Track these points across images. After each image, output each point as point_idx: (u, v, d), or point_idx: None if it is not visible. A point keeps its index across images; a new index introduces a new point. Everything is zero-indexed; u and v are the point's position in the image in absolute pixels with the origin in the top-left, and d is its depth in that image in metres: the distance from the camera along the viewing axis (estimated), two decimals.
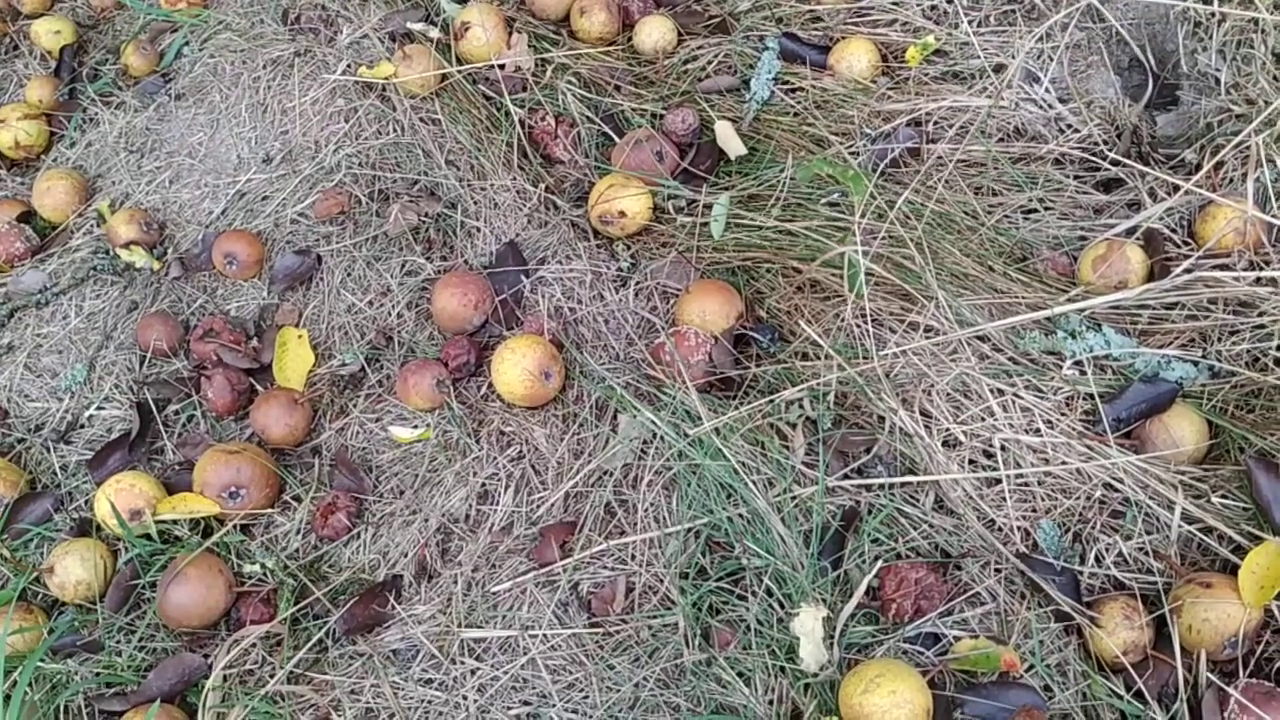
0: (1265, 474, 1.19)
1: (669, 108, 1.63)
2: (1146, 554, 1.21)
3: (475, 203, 1.61)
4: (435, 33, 1.74)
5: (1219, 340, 1.27)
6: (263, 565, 1.36)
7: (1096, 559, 1.21)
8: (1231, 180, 1.36)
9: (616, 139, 1.63)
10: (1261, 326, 1.24)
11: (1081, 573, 1.21)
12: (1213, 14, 1.44)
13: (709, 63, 1.68)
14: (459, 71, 1.70)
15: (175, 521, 1.38)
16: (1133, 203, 1.42)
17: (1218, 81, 1.42)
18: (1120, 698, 1.12)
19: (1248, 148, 1.34)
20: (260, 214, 1.69)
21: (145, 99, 1.86)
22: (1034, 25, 1.53)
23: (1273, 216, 1.32)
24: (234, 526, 1.39)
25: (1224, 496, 1.21)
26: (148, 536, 1.37)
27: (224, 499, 1.39)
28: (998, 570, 1.21)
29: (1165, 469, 1.23)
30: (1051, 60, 1.51)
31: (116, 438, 1.49)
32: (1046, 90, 1.50)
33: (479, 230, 1.59)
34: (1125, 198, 1.42)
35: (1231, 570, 1.16)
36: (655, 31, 1.70)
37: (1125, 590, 1.19)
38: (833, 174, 1.37)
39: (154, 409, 1.51)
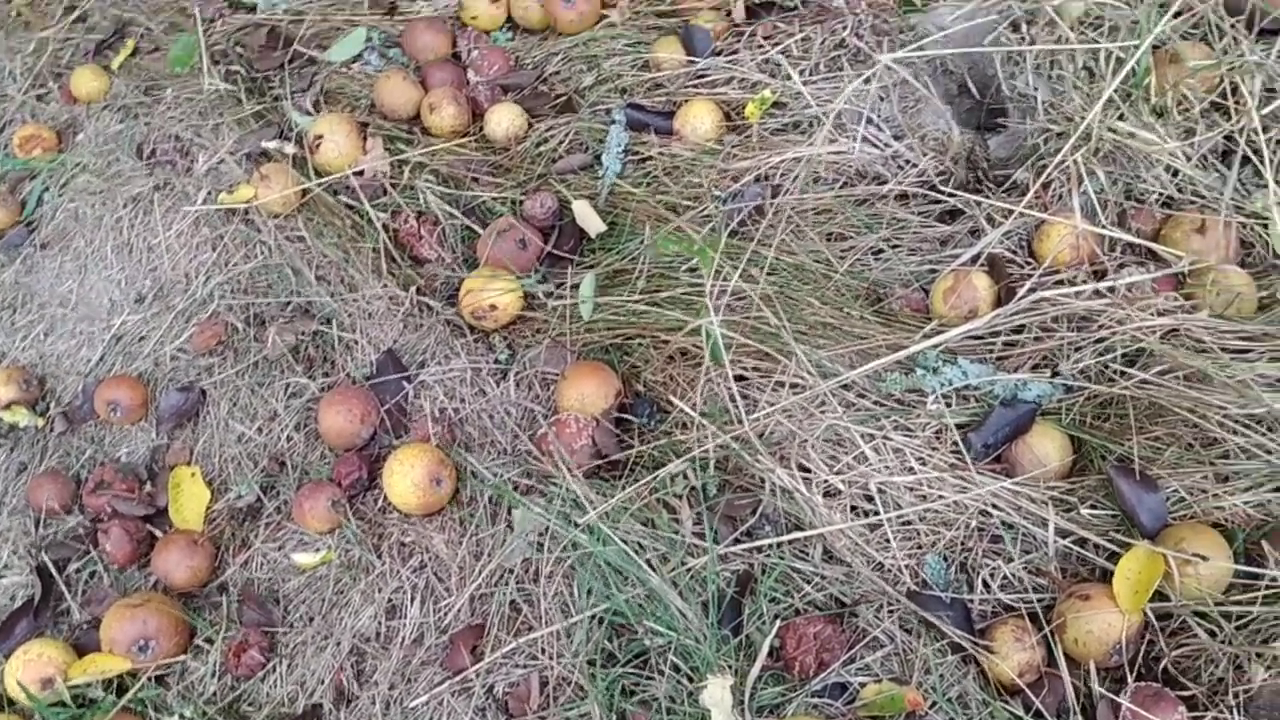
0: (1125, 480, 1.24)
1: (527, 193, 1.66)
2: (1030, 573, 1.25)
3: (349, 315, 1.63)
4: (291, 148, 1.76)
5: (1066, 357, 1.32)
6: (180, 716, 1.36)
7: (984, 585, 1.25)
8: (1060, 197, 1.41)
9: (480, 231, 1.65)
10: (1102, 340, 1.30)
11: (971, 601, 1.25)
12: (1023, 39, 1.50)
13: (561, 143, 1.72)
14: (318, 185, 1.71)
15: (89, 684, 1.37)
16: (974, 230, 1.47)
17: (1037, 102, 1.48)
18: None
19: (1070, 164, 1.40)
20: (139, 355, 1.69)
21: (11, 252, 1.85)
22: (861, 68, 1.58)
23: (1101, 227, 1.38)
24: (148, 679, 1.39)
25: (1093, 507, 1.26)
26: (61, 704, 1.37)
27: (134, 653, 1.39)
28: (891, 611, 1.25)
29: (1035, 488, 1.28)
30: (882, 100, 1.57)
31: (19, 606, 1.48)
32: (879, 129, 1.55)
33: (356, 342, 1.61)
34: (967, 226, 1.48)
35: (1109, 578, 1.21)
36: (505, 119, 1.73)
37: (1014, 612, 1.24)
38: (680, 249, 1.41)
39: (54, 571, 1.50)
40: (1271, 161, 1.35)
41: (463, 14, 1.85)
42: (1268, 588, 1.16)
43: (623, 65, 1.75)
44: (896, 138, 1.55)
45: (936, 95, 1.57)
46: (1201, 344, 1.25)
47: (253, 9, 1.99)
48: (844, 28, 1.63)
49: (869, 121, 1.55)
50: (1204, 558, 1.17)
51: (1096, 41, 1.45)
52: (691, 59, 1.70)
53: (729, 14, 1.73)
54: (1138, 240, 1.37)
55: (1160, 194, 1.40)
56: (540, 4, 1.81)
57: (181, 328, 1.69)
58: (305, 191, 1.72)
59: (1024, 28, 1.51)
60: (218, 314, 1.68)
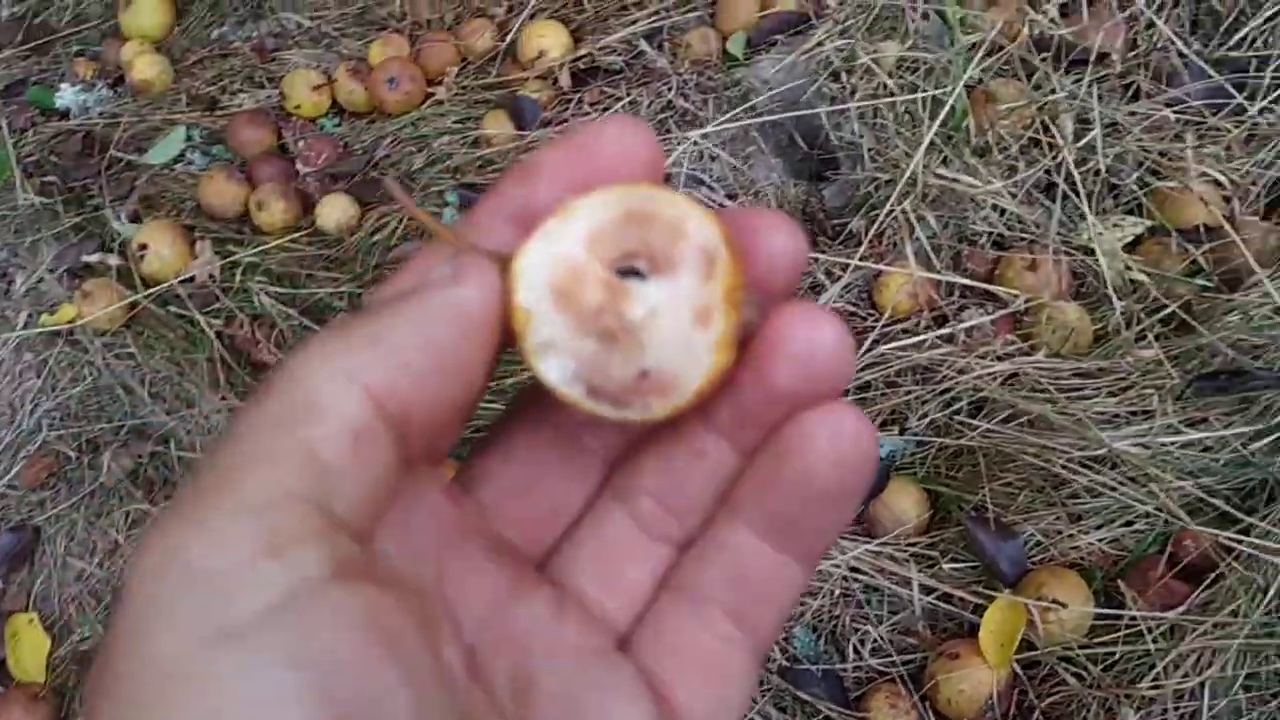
0: (982, 531, 1.23)
1: (365, 286, 1.61)
2: (900, 635, 1.24)
3: (188, 433, 1.55)
4: (114, 260, 1.67)
5: (914, 411, 1.31)
6: None
7: (855, 652, 1.23)
8: (895, 245, 1.41)
9: (319, 329, 1.59)
10: (946, 390, 1.29)
11: (844, 670, 1.22)
12: (844, 87, 1.50)
13: (395, 230, 1.67)
14: (145, 297, 1.63)
15: None
16: (815, 285, 1.46)
17: (863, 150, 1.48)
18: None
19: (900, 212, 1.39)
20: None
21: None
22: (690, 129, 1.56)
23: (936, 273, 1.38)
24: None
25: (954, 560, 1.25)
26: None
27: None
28: (765, 690, 1.22)
29: (897, 546, 1.26)
30: (713, 160, 1.55)
31: None
32: (713, 189, 1.53)
33: (197, 461, 1.53)
34: (807, 282, 1.46)
35: (976, 632, 1.20)
36: (336, 210, 1.67)
37: (887, 677, 1.22)
38: None
39: None
40: (1089, 194, 1.37)
41: (286, 104, 1.79)
42: (1127, 627, 1.16)
43: (453, 144, 1.70)
44: (731, 197, 1.54)
45: (767, 149, 1.56)
46: (1040, 386, 1.25)
47: (65, 115, 1.90)
48: (669, 89, 1.61)
49: (700, 183, 1.53)
50: (1063, 604, 1.16)
51: (915, 85, 1.45)
52: (521, 131, 1.67)
53: (556, 82, 1.70)
54: (973, 283, 1.37)
55: (990, 234, 1.40)
56: (364, 87, 1.76)
57: (9, 463, 1.59)
58: (133, 305, 1.64)
59: (844, 76, 1.50)
60: (47, 444, 1.59)
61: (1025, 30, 1.41)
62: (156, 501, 1.53)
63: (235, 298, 1.63)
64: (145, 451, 1.55)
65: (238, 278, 1.65)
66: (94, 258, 1.69)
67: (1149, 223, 1.37)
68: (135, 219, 1.74)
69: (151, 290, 1.64)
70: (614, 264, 0.37)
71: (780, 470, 0.38)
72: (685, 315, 0.36)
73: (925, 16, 1.49)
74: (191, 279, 1.65)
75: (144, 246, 1.65)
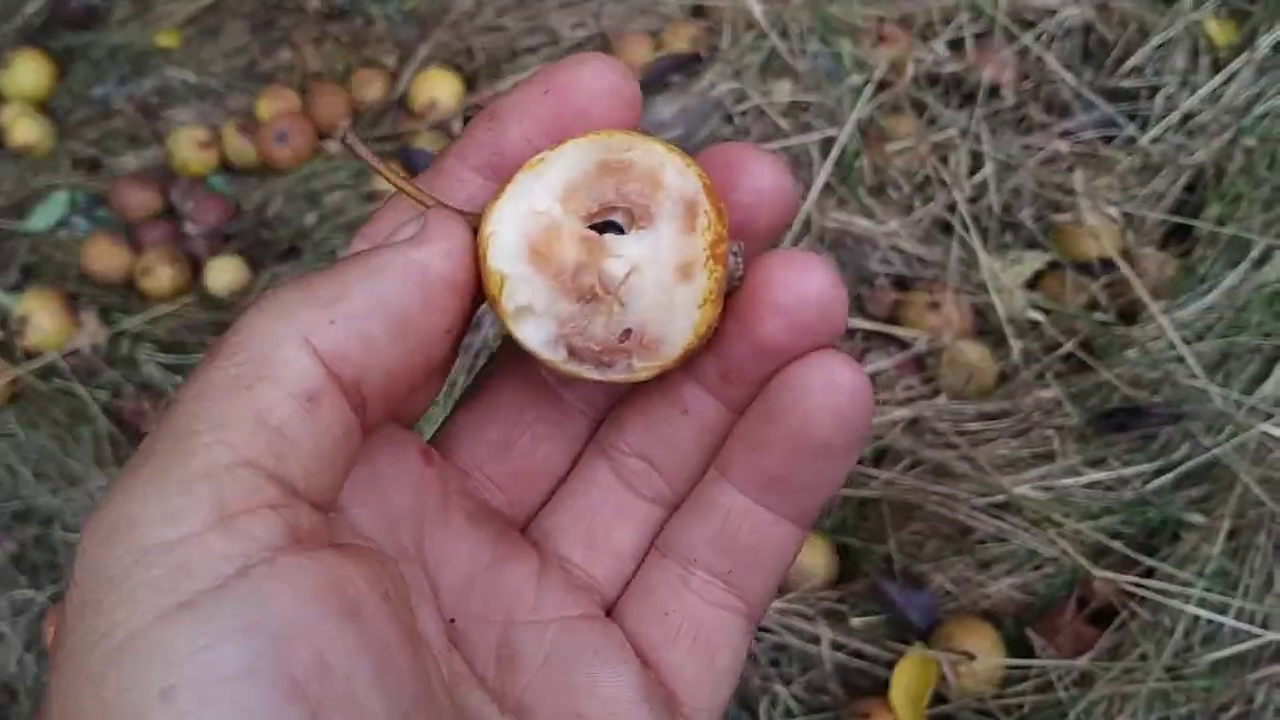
0: (890, 582, 1.20)
1: None
2: (812, 693, 1.20)
3: (73, 513, 1.48)
4: None
5: None
6: None
7: (767, 715, 1.20)
8: None
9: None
10: None
11: None
12: (736, 130, 1.47)
13: None
14: (27, 372, 1.56)
15: None
16: None
17: None
18: None
19: None
20: None
21: None
22: None
23: None
24: None
25: (863, 614, 1.22)
26: None
27: None
28: None
29: (805, 601, 1.23)
30: None
31: None
32: None
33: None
34: None
35: (888, 687, 1.17)
36: (225, 273, 1.62)
37: None
38: None
39: None
40: (985, 230, 1.35)
41: (172, 162, 1.73)
42: (1038, 675, 1.14)
43: (346, 199, 1.66)
44: None
45: None
46: (940, 431, 1.23)
47: None
48: None
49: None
50: (971, 656, 1.14)
51: (808, 125, 1.43)
52: None
53: (449, 133, 1.66)
54: (874, 325, 1.35)
55: (890, 274, 1.38)
56: (253, 143, 1.71)
57: None
58: (15, 381, 1.57)
59: (736, 119, 1.48)
60: None
61: (911, 66, 1.40)
62: (42, 587, 1.45)
63: (122, 368, 1.57)
64: (28, 535, 1.47)
65: (125, 347, 1.59)
66: None
67: (1049, 257, 1.36)
68: (16, 290, 1.66)
69: (34, 363, 1.57)
70: (590, 218, 0.36)
71: (772, 426, 0.36)
72: (668, 271, 0.35)
73: (816, 56, 1.47)
74: (76, 352, 1.58)
75: (24, 319, 1.58)
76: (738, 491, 0.38)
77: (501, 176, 0.37)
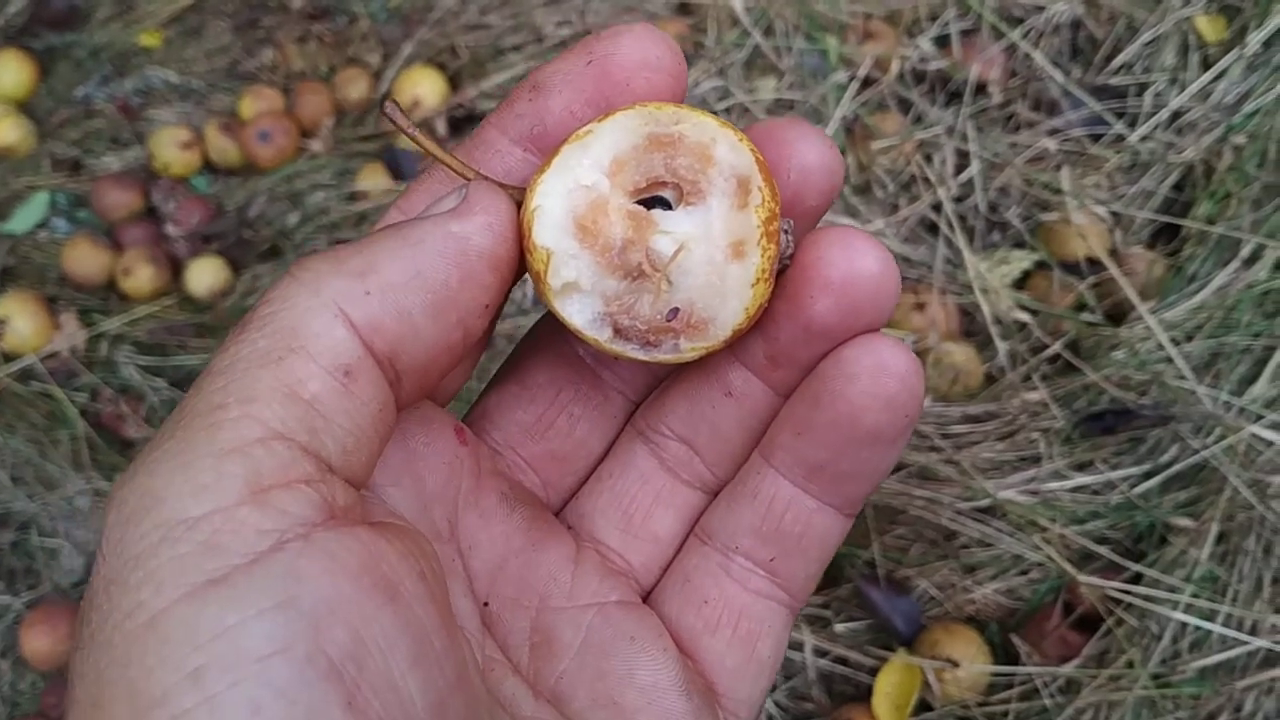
0: (874, 588, 1.18)
1: None
2: (796, 700, 1.18)
3: (51, 517, 1.47)
4: None
5: None
6: None
7: None
8: None
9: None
10: None
11: None
12: None
13: None
14: (6, 375, 1.55)
15: None
16: None
17: None
18: None
19: None
20: None
21: None
22: None
23: None
24: None
25: (847, 620, 1.20)
26: None
27: None
28: None
29: None
30: None
31: None
32: None
33: (62, 547, 1.45)
34: None
35: (871, 693, 1.15)
36: (206, 274, 1.60)
37: None
38: None
39: None
40: (971, 230, 1.33)
41: (154, 163, 1.71)
42: (1022, 682, 1.12)
43: (329, 199, 1.64)
44: None
45: None
46: (925, 434, 1.21)
47: None
48: None
49: None
50: (955, 663, 1.12)
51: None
52: (398, 183, 1.61)
53: (432, 132, 1.65)
54: None
55: None
56: (236, 143, 1.69)
57: None
58: None
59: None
60: None
61: (896, 64, 1.38)
62: (18, 593, 1.44)
63: (101, 371, 1.55)
64: (5, 540, 1.46)
65: (104, 349, 1.57)
66: None
67: (1036, 256, 1.34)
68: None
69: (13, 365, 1.56)
70: (638, 194, 0.35)
71: (819, 411, 0.35)
72: (719, 248, 0.34)
73: (801, 53, 1.46)
74: (54, 354, 1.56)
75: (3, 322, 1.56)
76: (782, 477, 0.37)
77: (543, 149, 0.36)
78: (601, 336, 0.35)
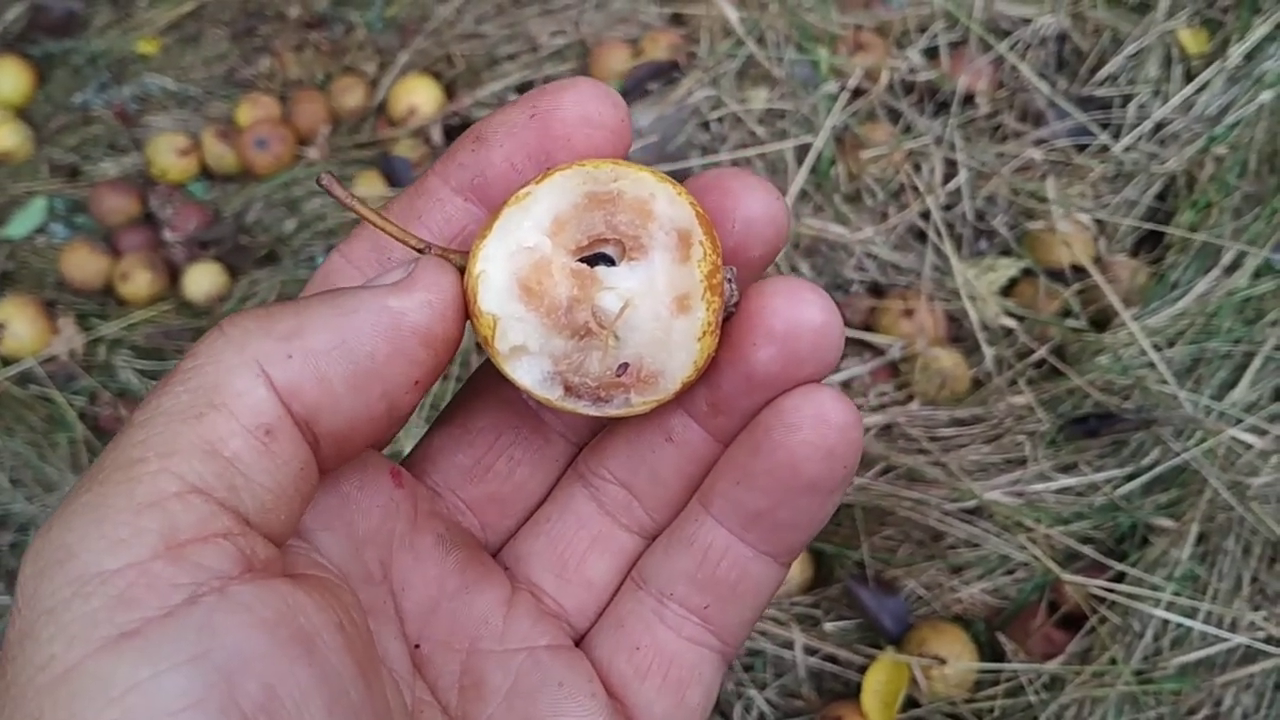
0: (863, 588, 1.21)
1: None
2: (786, 698, 1.20)
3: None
4: None
5: None
6: None
7: (741, 719, 1.20)
8: None
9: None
10: None
11: None
12: (713, 137, 1.48)
13: (266, 299, 1.61)
14: (5, 379, 1.56)
15: None
16: None
17: None
18: None
19: (774, 263, 1.37)
20: None
21: None
22: None
23: None
24: None
25: (836, 619, 1.22)
26: None
27: None
28: None
29: (779, 606, 1.23)
30: None
31: None
32: None
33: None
34: None
35: (860, 691, 1.17)
36: (203, 280, 1.62)
37: None
38: None
39: None
40: (958, 238, 1.36)
41: (151, 170, 1.73)
42: (1007, 679, 1.14)
43: (325, 206, 1.66)
44: None
45: None
46: (912, 437, 1.24)
47: None
48: None
49: None
50: (942, 660, 1.14)
51: (784, 132, 1.44)
52: (394, 190, 1.63)
53: (428, 140, 1.67)
54: (849, 332, 1.35)
55: (865, 281, 1.39)
56: (233, 149, 1.71)
57: None
58: None
59: (713, 126, 1.49)
60: None
61: (885, 75, 1.41)
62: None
63: (99, 374, 1.57)
64: (5, 541, 1.47)
65: (102, 353, 1.59)
66: None
67: (1023, 264, 1.37)
68: None
69: (11, 369, 1.57)
70: (580, 252, 0.35)
71: (759, 460, 0.35)
72: (664, 303, 0.34)
73: (793, 63, 1.48)
74: (53, 358, 1.58)
75: (1, 325, 1.58)
76: (719, 525, 0.37)
77: (483, 199, 0.36)
78: (552, 395, 0.35)
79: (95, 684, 0.26)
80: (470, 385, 0.41)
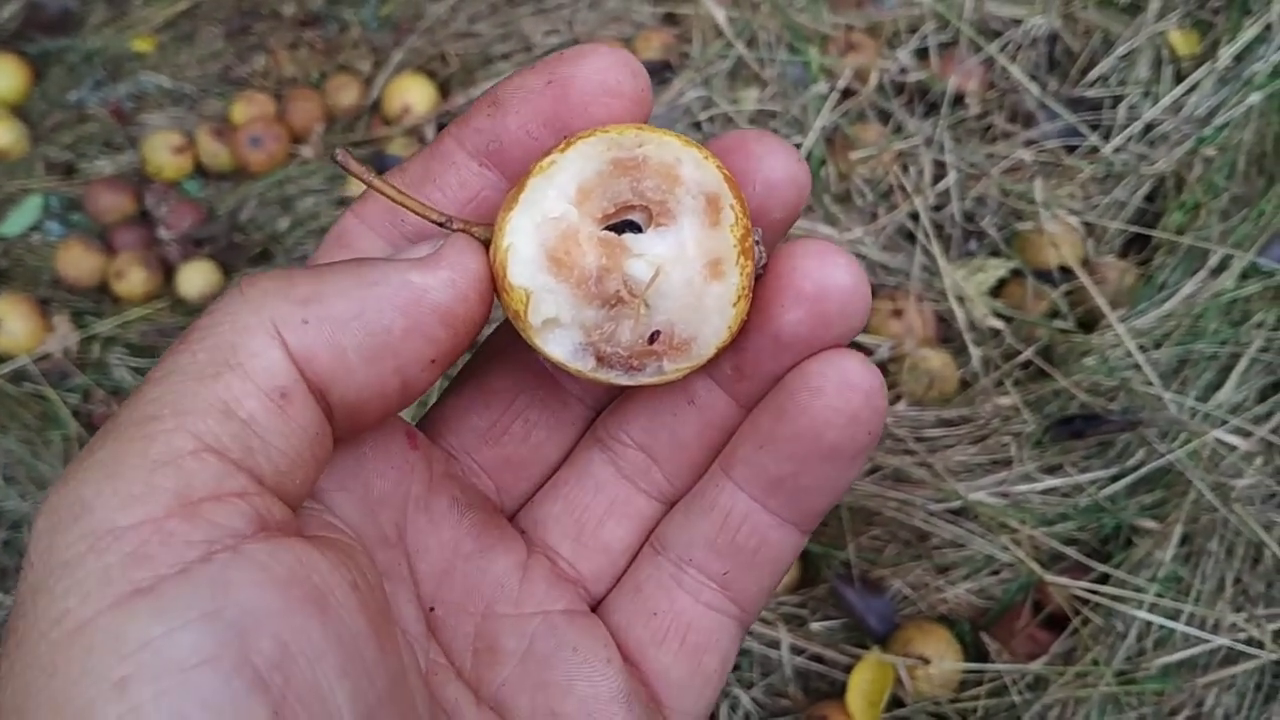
0: (849, 588, 1.21)
1: None
2: (772, 697, 1.21)
3: None
4: None
5: None
6: None
7: (728, 719, 1.20)
8: None
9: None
10: None
11: None
12: (704, 137, 1.48)
13: None
14: (0, 376, 1.57)
15: None
16: None
17: None
18: None
19: None
20: None
21: None
22: None
23: None
24: None
25: (823, 619, 1.23)
26: None
27: None
28: None
29: (766, 606, 1.24)
30: None
31: None
32: None
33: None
34: None
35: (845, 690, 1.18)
36: (197, 278, 1.62)
37: None
38: None
39: None
40: (948, 238, 1.36)
41: (146, 167, 1.73)
42: (991, 680, 1.15)
43: (319, 204, 1.66)
44: None
45: None
46: (899, 437, 1.24)
47: None
48: None
49: None
50: (927, 660, 1.15)
51: (774, 133, 1.44)
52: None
53: (422, 139, 1.67)
54: None
55: None
56: (227, 148, 1.71)
57: None
58: None
59: (704, 126, 1.49)
60: None
61: (875, 75, 1.41)
62: (10, 590, 1.46)
63: (93, 372, 1.58)
64: None
65: (96, 351, 1.59)
66: None
67: (1012, 265, 1.37)
68: None
69: (5, 366, 1.58)
70: (607, 220, 0.34)
71: (783, 424, 0.35)
72: (695, 268, 0.34)
73: (784, 64, 1.49)
74: (47, 355, 1.59)
75: None
76: (740, 491, 0.37)
77: (498, 164, 0.36)
78: (585, 366, 0.34)
79: (108, 639, 0.26)
80: (486, 347, 0.40)
